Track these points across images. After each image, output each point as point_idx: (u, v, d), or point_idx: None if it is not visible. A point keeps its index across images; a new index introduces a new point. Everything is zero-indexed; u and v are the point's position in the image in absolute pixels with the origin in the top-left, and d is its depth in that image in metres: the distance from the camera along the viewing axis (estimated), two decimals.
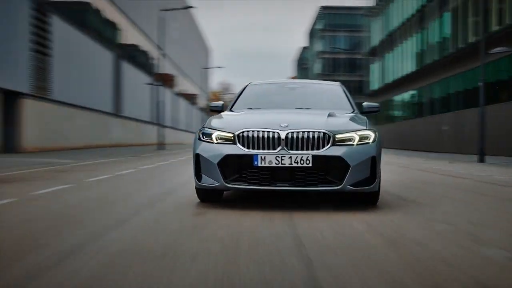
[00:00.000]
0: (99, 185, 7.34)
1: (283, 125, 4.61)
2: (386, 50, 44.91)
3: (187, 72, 60.61)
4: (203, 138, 4.88)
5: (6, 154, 19.28)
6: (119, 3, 33.97)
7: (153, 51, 42.84)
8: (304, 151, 4.50)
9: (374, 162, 4.65)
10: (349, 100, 6.07)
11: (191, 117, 63.40)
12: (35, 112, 22.25)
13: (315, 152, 4.50)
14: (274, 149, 4.52)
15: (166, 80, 44.81)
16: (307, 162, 4.45)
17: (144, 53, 42.13)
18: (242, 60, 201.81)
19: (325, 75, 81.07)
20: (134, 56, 39.05)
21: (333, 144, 4.55)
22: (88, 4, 29.03)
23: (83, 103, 27.83)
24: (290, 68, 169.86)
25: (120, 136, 34.65)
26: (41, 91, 22.79)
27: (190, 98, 63.00)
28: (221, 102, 6.09)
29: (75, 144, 26.15)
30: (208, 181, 4.73)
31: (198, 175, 4.83)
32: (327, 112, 5.20)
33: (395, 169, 12.18)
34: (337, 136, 4.59)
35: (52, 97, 23.76)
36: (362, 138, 4.68)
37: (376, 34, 48.60)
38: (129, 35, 37.23)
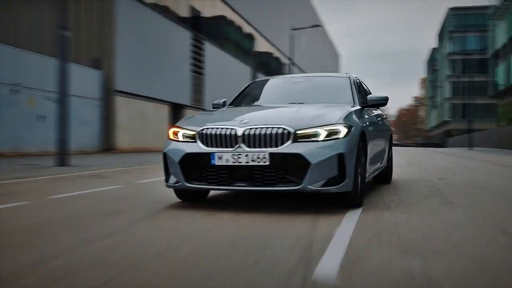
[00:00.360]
0: None
1: (243, 122, 4.35)
2: (510, 52, 45.57)
3: None
4: (172, 136, 4.72)
5: None
6: (254, 23, 39.53)
7: (283, 59, 48.16)
8: (262, 149, 4.17)
9: (342, 160, 4.17)
10: (352, 93, 5.66)
11: None
12: None
13: (273, 149, 4.14)
14: (232, 146, 4.25)
15: None
16: (264, 160, 4.12)
17: (276, 60, 47.57)
18: (372, 61, 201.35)
19: (454, 76, 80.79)
20: (268, 63, 44.52)
21: (294, 141, 4.17)
22: (231, 22, 34.91)
23: None
24: (421, 69, 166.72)
25: None
26: (197, 103, 28.89)
27: None
28: (223, 100, 6.11)
29: None
30: (173, 181, 4.58)
31: (167, 174, 4.68)
32: (311, 106, 4.99)
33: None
34: (298, 131, 4.19)
35: (204, 107, 29.80)
36: (330, 133, 4.23)
37: (500, 36, 49.17)
38: (263, 47, 42.82)
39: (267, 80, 6.63)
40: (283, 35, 45.12)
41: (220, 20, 33.20)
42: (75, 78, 18.36)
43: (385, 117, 7.23)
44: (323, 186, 4.14)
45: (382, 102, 5.64)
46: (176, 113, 26.60)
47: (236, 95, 6.31)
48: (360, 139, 4.50)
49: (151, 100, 23.64)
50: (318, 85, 6.18)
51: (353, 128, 4.39)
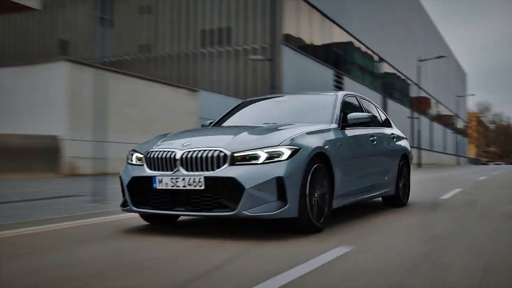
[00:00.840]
0: None
1: (185, 144, 4.24)
2: None
3: (442, 99, 67.81)
4: (128, 159, 4.67)
5: None
6: (383, 54, 44.56)
7: (409, 81, 52.44)
8: (198, 172, 4.04)
9: (281, 184, 3.95)
10: (333, 112, 5.28)
11: (446, 140, 69.92)
12: None
13: (208, 173, 4.01)
14: (171, 170, 4.16)
15: (422, 103, 53.77)
16: (200, 184, 4.00)
17: (401, 82, 51.99)
18: (503, 75, 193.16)
19: None
20: (395, 86, 49.05)
21: (232, 164, 4.00)
22: (364, 54, 40.46)
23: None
24: None
25: None
26: None
27: (445, 121, 69.64)
28: (211, 121, 6.08)
29: None
30: (125, 204, 4.52)
31: (123, 197, 4.57)
32: (266, 127, 4.75)
33: None
34: (235, 154, 4.02)
35: None
36: (271, 156, 4.03)
37: None
38: (390, 74, 47.67)
39: (254, 100, 6.49)
40: (409, 59, 49.49)
41: (356, 55, 38.86)
42: None
43: (394, 137, 6.78)
44: (260, 211, 3.93)
45: (364, 120, 5.32)
46: None
47: (223, 114, 6.20)
48: (311, 161, 4.22)
49: None
50: (300, 105, 6.02)
51: (300, 150, 4.14)
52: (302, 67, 29.42)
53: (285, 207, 3.96)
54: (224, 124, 5.84)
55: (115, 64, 29.10)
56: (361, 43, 39.00)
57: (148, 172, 4.30)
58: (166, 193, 4.18)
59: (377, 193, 6.02)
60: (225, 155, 4.02)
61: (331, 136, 4.85)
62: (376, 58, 43.07)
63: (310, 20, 30.68)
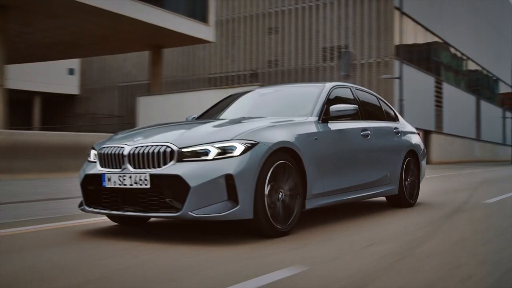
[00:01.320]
0: (479, 174, 21.80)
1: (136, 140, 3.99)
2: None
3: None
4: (88, 157, 4.41)
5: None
6: (479, 60, 47.67)
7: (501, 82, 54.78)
8: (145, 170, 3.79)
9: (231, 182, 3.66)
10: (315, 104, 4.88)
11: None
12: (437, 141, 38.28)
13: (154, 170, 3.74)
14: (120, 167, 3.91)
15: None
16: (146, 182, 3.74)
17: (493, 82, 54.49)
18: None
19: None
20: (483, 82, 51.74)
21: (179, 160, 3.72)
22: (460, 60, 44.00)
23: (459, 132, 42.76)
24: None
25: (479, 154, 48.26)
26: (438, 129, 38.75)
27: None
28: (194, 115, 5.81)
29: (453, 159, 41.27)
30: (82, 204, 4.29)
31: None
32: (232, 120, 4.47)
33: None
34: (184, 150, 3.74)
35: (444, 131, 39.53)
36: (223, 151, 3.73)
37: None
38: (482, 76, 50.52)
39: (241, 94, 6.05)
40: (501, 60, 52.04)
41: (452, 61, 42.58)
42: None
43: (398, 132, 6.23)
44: (208, 213, 3.64)
45: (348, 113, 4.86)
46: (426, 137, 36.89)
47: (206, 109, 5.98)
48: (272, 157, 3.89)
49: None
50: (283, 97, 5.67)
51: (258, 145, 3.81)
52: (411, 78, 33.84)
53: (236, 208, 3.68)
54: (209, 117, 5.51)
55: (248, 77, 35.01)
56: (457, 49, 42.66)
57: (99, 169, 4.09)
58: (114, 192, 3.95)
59: (373, 192, 5.57)
60: (172, 150, 3.76)
61: (305, 129, 4.49)
62: (470, 62, 46.45)
63: (415, 34, 35.05)
